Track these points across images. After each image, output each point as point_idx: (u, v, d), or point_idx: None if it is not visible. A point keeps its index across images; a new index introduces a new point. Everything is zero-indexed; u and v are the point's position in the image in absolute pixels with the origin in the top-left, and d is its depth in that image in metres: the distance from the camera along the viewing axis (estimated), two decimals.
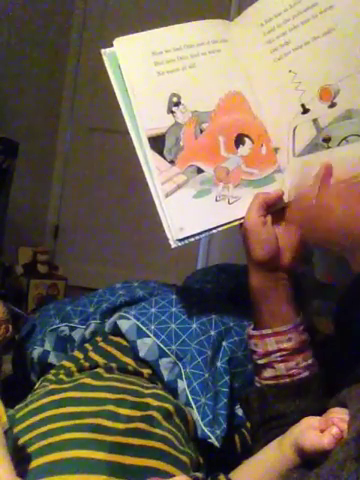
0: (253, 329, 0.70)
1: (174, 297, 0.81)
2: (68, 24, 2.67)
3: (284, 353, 0.67)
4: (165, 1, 2.60)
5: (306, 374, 0.68)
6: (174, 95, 0.70)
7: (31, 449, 0.54)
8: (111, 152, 2.58)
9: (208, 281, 1.01)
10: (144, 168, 0.70)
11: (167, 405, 0.64)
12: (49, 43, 2.50)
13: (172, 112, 0.70)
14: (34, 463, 0.52)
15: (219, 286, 0.97)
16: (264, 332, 0.68)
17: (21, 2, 2.23)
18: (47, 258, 2.15)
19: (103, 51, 0.72)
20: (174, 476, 0.51)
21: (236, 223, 0.70)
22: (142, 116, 0.70)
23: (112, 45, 0.72)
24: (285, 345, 0.67)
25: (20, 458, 0.52)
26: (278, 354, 0.67)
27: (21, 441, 0.55)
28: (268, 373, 0.69)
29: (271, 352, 0.68)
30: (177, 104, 0.70)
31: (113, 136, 2.50)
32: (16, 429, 0.57)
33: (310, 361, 0.69)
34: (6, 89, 2.15)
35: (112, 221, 2.60)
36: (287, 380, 0.67)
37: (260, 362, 0.69)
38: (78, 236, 2.68)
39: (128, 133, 0.71)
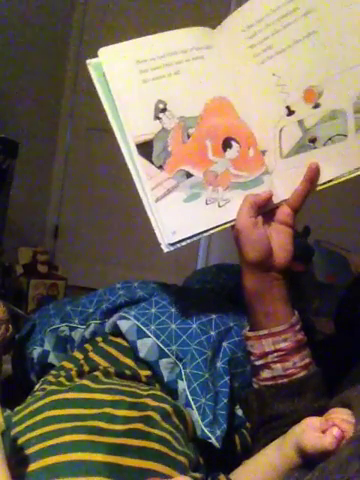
0: (249, 330, 0.71)
1: (174, 297, 0.81)
2: (68, 24, 2.67)
3: (281, 353, 0.67)
4: (165, 1, 2.60)
5: (304, 373, 0.67)
6: (160, 102, 0.71)
7: (30, 451, 0.53)
8: (111, 152, 2.58)
9: (208, 281, 1.00)
10: (133, 175, 0.70)
11: (165, 405, 0.64)
12: (49, 43, 2.50)
13: (158, 118, 0.71)
14: (33, 466, 0.52)
15: (219, 286, 0.97)
16: (261, 333, 0.68)
17: (21, 2, 2.23)
18: (47, 258, 2.15)
19: (88, 61, 0.73)
20: (172, 478, 0.51)
21: (227, 225, 0.71)
22: (129, 124, 0.70)
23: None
24: (281, 345, 0.67)
25: (19, 460, 0.52)
26: (275, 355, 0.67)
27: (20, 442, 0.55)
28: (265, 374, 0.69)
29: (268, 353, 0.68)
30: (163, 110, 0.71)
31: (113, 136, 2.50)
32: (15, 431, 0.57)
33: (307, 360, 0.68)
34: (6, 89, 2.15)
35: (112, 221, 2.61)
36: (285, 380, 0.67)
37: (257, 363, 0.69)
38: (78, 236, 2.69)
39: None
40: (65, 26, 2.65)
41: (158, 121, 0.71)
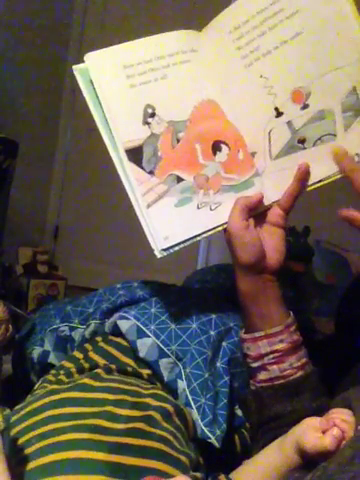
0: (245, 332, 0.71)
1: (174, 297, 0.81)
2: (68, 24, 2.67)
3: (277, 355, 0.67)
4: (164, 2, 2.60)
5: (300, 374, 0.68)
6: (148, 106, 0.71)
7: (30, 450, 0.53)
8: None
9: (208, 281, 1.00)
10: (123, 181, 0.70)
11: (166, 405, 0.64)
12: (49, 43, 2.50)
13: (147, 123, 0.71)
14: (33, 464, 0.52)
15: (219, 286, 0.97)
16: (256, 335, 0.68)
17: (21, 2, 2.23)
18: (47, 258, 2.15)
19: (75, 67, 0.72)
20: (173, 476, 0.51)
21: (220, 229, 0.71)
22: (118, 129, 0.70)
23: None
24: (277, 347, 0.67)
25: (19, 459, 0.52)
26: (271, 356, 0.67)
27: (20, 441, 0.55)
28: (262, 376, 0.69)
29: (264, 355, 0.68)
30: (152, 115, 0.71)
31: None
32: (15, 430, 0.57)
33: (304, 360, 0.69)
34: (6, 89, 2.15)
35: (112, 221, 2.60)
36: (282, 381, 0.67)
37: (254, 365, 0.69)
38: (78, 236, 2.68)
39: None
40: (65, 26, 2.65)
41: (147, 126, 0.71)
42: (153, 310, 0.78)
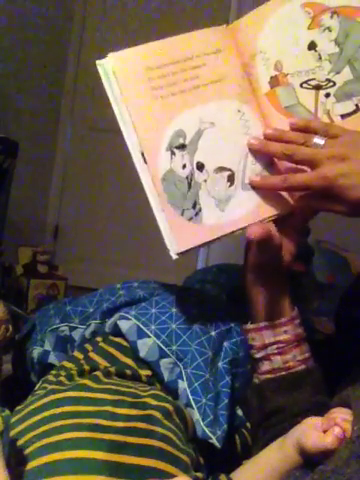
0: (250, 323, 0.72)
1: (174, 297, 0.81)
2: (68, 25, 2.67)
3: (281, 345, 0.69)
4: (165, 3, 2.60)
5: (302, 367, 0.69)
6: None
7: (30, 449, 0.53)
8: (111, 152, 2.58)
9: (208, 281, 1.00)
10: (142, 179, 0.68)
11: (166, 405, 0.64)
12: (49, 43, 2.50)
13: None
14: (33, 464, 0.52)
15: (219, 286, 0.97)
16: (261, 325, 0.70)
17: (21, 2, 2.24)
18: (47, 258, 2.15)
19: (98, 62, 0.70)
20: (175, 476, 0.51)
21: (238, 233, 0.70)
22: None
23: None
24: (281, 337, 0.69)
25: (19, 459, 0.52)
26: (275, 346, 0.69)
27: (20, 442, 0.55)
28: (265, 367, 0.70)
29: (268, 345, 0.69)
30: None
31: (113, 136, 2.49)
32: (16, 430, 0.57)
33: (307, 355, 0.70)
34: (6, 89, 2.16)
35: (112, 221, 2.61)
36: (284, 373, 0.69)
37: (257, 356, 0.70)
38: (78, 236, 2.69)
39: None
40: (65, 26, 2.65)
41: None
42: (153, 310, 0.78)
